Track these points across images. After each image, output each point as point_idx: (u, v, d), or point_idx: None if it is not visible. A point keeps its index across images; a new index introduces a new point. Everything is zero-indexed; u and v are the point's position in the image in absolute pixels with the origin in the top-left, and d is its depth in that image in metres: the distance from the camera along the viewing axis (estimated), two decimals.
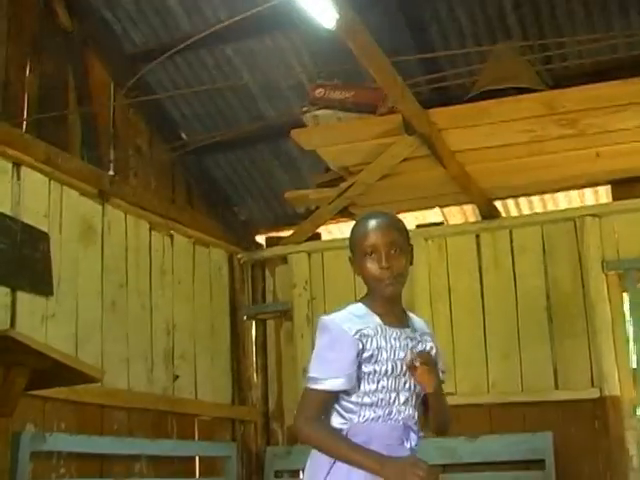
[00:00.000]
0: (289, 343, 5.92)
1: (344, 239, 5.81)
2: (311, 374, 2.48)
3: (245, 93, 5.49)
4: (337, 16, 3.17)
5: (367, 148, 4.73)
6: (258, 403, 5.98)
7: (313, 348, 2.41)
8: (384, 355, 2.50)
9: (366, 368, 2.48)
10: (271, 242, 6.20)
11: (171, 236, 5.50)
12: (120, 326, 4.91)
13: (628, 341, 5.11)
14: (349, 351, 2.45)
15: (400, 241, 2.55)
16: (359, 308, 2.58)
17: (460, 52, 4.74)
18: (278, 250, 6.05)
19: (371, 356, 2.48)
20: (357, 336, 2.47)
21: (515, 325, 5.35)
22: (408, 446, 2.54)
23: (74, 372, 3.45)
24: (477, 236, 5.57)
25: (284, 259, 6.01)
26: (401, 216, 5.40)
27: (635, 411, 5.03)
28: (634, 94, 4.13)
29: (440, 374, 2.64)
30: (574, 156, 4.79)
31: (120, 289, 4.96)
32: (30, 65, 4.70)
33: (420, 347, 2.60)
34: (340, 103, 4.67)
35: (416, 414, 2.63)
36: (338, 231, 6.28)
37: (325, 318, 2.55)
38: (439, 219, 5.97)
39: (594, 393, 5.03)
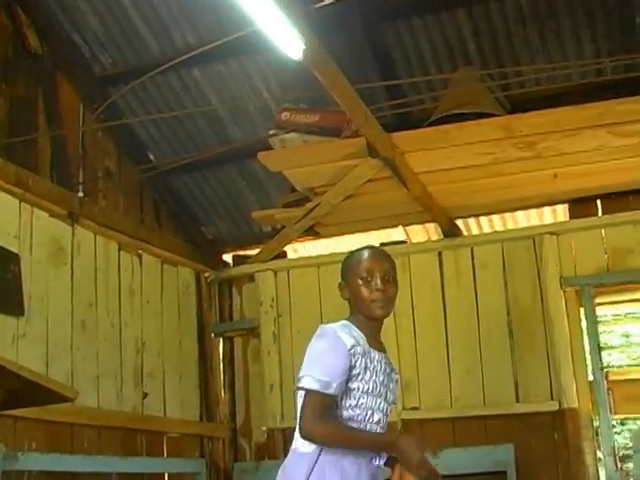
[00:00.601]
0: (256, 360, 6.02)
1: (309, 257, 6.07)
2: (307, 372, 2.60)
3: (213, 116, 5.59)
4: (304, 47, 3.28)
5: (332, 170, 4.85)
6: (226, 419, 6.07)
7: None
8: (367, 375, 2.67)
9: (352, 384, 2.64)
10: (238, 261, 6.29)
11: (139, 256, 5.58)
12: (90, 345, 4.98)
13: (585, 355, 5.28)
14: (344, 362, 2.61)
15: (392, 272, 2.80)
16: (349, 325, 2.73)
17: (422, 79, 4.88)
18: (245, 268, 6.15)
19: (358, 374, 2.65)
20: (351, 351, 2.63)
21: (477, 340, 5.48)
22: (376, 463, 2.69)
23: (47, 392, 3.51)
24: (439, 253, 5.71)
25: (251, 277, 6.09)
26: (365, 235, 5.56)
27: (592, 423, 5.19)
28: (587, 118, 4.31)
29: (391, 406, 2.83)
30: (532, 177, 4.95)
31: (90, 308, 5.03)
32: (0, 88, 4.75)
33: (393, 375, 2.83)
34: (306, 126, 4.79)
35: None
36: (304, 250, 6.40)
37: (326, 326, 2.70)
38: (402, 237, 6.11)
39: (553, 406, 5.18)
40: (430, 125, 4.67)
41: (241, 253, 6.38)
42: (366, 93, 4.31)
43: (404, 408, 5.49)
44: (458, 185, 5.04)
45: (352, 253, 2.87)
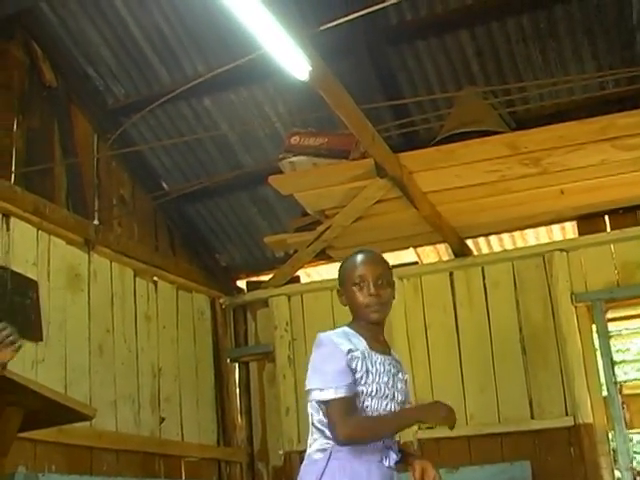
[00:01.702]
0: (272, 384, 6.06)
1: (322, 281, 6.13)
2: (317, 385, 2.64)
3: (223, 143, 5.71)
4: (310, 68, 3.38)
5: (341, 192, 4.94)
6: (243, 444, 6.10)
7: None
8: (370, 378, 2.69)
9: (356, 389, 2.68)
10: (252, 286, 6.37)
11: (155, 282, 5.66)
12: (107, 370, 5.04)
13: (598, 370, 5.30)
14: (347, 365, 2.64)
15: (386, 274, 2.80)
16: (348, 331, 2.77)
17: (426, 98, 4.98)
18: (259, 294, 6.21)
19: (360, 377, 2.68)
20: (349, 356, 2.67)
21: (490, 358, 5.51)
22: (387, 464, 2.72)
23: (66, 411, 3.57)
24: (451, 274, 5.76)
25: (265, 302, 6.15)
26: None
27: (608, 437, 5.20)
28: (590, 133, 4.39)
29: (402, 405, 2.84)
30: (539, 194, 5.02)
31: (107, 334, 5.11)
32: (17, 120, 4.88)
33: (400, 375, 2.84)
34: (315, 149, 4.88)
35: (395, 437, 2.84)
36: (316, 274, 6.47)
37: (322, 335, 2.74)
38: (413, 259, 6.17)
39: (568, 421, 5.19)
40: (436, 145, 4.75)
41: (255, 279, 6.45)
42: (372, 115, 4.41)
43: (419, 428, 5.50)
44: (466, 204, 5.11)
45: (346, 259, 2.90)
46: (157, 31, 5.23)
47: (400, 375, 2.85)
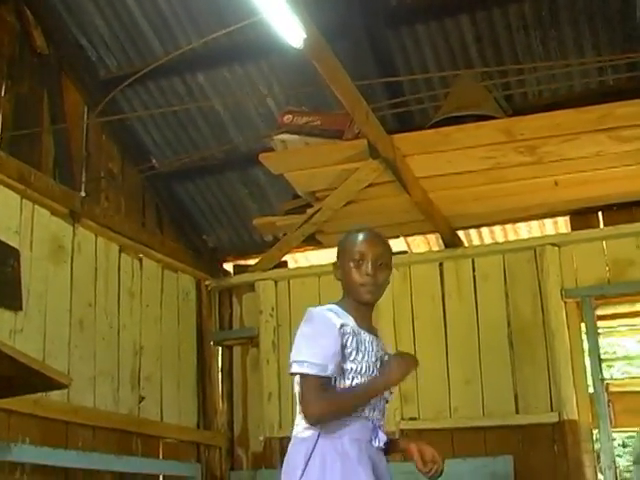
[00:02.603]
0: (255, 369, 5.98)
1: (310, 267, 6.06)
2: (300, 358, 2.58)
3: (215, 120, 5.63)
4: (304, 36, 3.31)
5: (333, 173, 4.86)
6: (223, 428, 6.01)
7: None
8: (360, 355, 2.64)
9: (345, 365, 2.63)
10: (239, 269, 6.29)
11: (140, 259, 5.57)
12: (88, 345, 4.95)
13: (585, 366, 5.24)
14: (336, 342, 2.60)
15: (386, 256, 2.77)
16: (336, 308, 2.71)
17: (421, 77, 4.90)
18: (245, 277, 6.13)
19: (350, 353, 2.63)
20: (341, 330, 2.61)
21: (477, 351, 5.44)
22: (376, 445, 2.66)
23: (41, 378, 3.48)
24: (440, 264, 5.69)
25: (251, 286, 6.07)
26: None
27: (592, 435, 5.14)
28: (586, 122, 4.31)
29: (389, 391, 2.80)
30: (533, 184, 4.95)
31: (88, 308, 5.01)
32: (5, 85, 4.79)
33: (386, 358, 2.77)
34: (308, 129, 4.79)
35: (383, 418, 2.78)
36: (304, 259, 6.39)
37: (312, 309, 2.69)
38: (403, 248, 6.10)
39: (553, 417, 5.12)
40: (431, 128, 4.67)
41: (242, 262, 6.37)
42: (367, 94, 4.33)
43: (402, 418, 5.44)
44: (459, 192, 5.04)
45: (349, 233, 2.85)
46: (152, 3, 5.15)
47: (386, 357, 2.78)
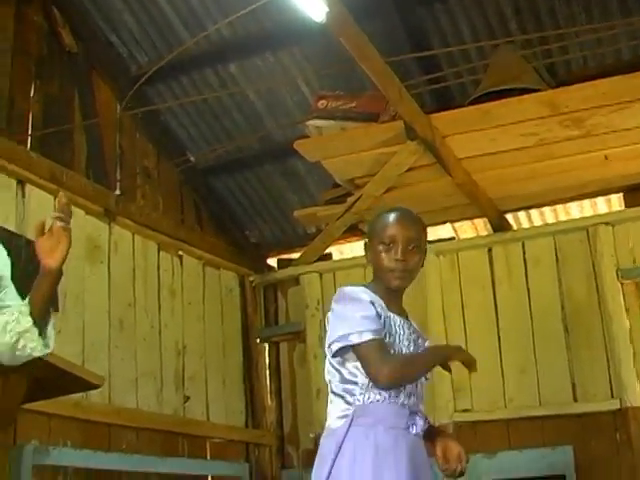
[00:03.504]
0: (303, 365, 5.85)
1: (354, 258, 5.89)
2: (347, 330, 2.42)
3: (250, 110, 5.50)
4: (327, 9, 3.16)
5: (371, 158, 4.70)
6: (272, 426, 5.90)
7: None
8: (391, 339, 2.50)
9: None
10: (283, 264, 6.16)
11: (180, 257, 5.48)
12: (128, 345, 4.88)
13: None
14: (374, 312, 2.45)
15: (418, 239, 2.58)
16: (367, 290, 2.55)
17: (457, 48, 4.68)
18: (290, 271, 6.00)
19: (384, 335, 2.47)
20: (374, 305, 2.47)
21: (530, 338, 5.25)
22: (413, 432, 2.50)
23: (73, 379, 3.40)
24: (489, 250, 5.50)
25: (296, 280, 5.95)
26: None
27: None
28: (636, 89, 4.07)
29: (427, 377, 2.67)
30: (583, 160, 4.72)
31: (128, 308, 4.94)
32: (35, 84, 4.73)
33: (420, 342, 2.64)
34: (342, 113, 4.66)
35: (421, 403, 2.62)
36: (349, 250, 6.23)
37: (343, 288, 2.57)
38: (450, 234, 5.90)
39: (614, 404, 4.89)
40: (470, 105, 4.47)
41: (286, 256, 6.24)
42: (402, 72, 4.15)
43: (456, 410, 5.26)
44: (504, 172, 4.83)
45: (380, 213, 2.68)
46: None
47: (420, 341, 2.64)
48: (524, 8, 4.72)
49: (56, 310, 4.40)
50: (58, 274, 2.42)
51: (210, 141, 5.68)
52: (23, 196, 4.40)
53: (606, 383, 4.98)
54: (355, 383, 2.47)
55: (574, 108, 4.20)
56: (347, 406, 2.47)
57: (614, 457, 4.87)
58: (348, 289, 2.54)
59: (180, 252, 5.47)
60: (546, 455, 4.93)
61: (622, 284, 5.04)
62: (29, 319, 2.40)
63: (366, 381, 2.46)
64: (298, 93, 5.36)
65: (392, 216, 2.59)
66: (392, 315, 2.53)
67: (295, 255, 6.14)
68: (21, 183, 4.39)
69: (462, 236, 6.02)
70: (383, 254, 2.54)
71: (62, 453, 4.00)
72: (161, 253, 5.31)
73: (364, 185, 4.99)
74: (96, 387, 3.51)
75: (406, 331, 2.56)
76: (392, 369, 2.39)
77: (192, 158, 5.69)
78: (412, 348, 2.56)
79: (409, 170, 4.79)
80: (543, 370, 5.17)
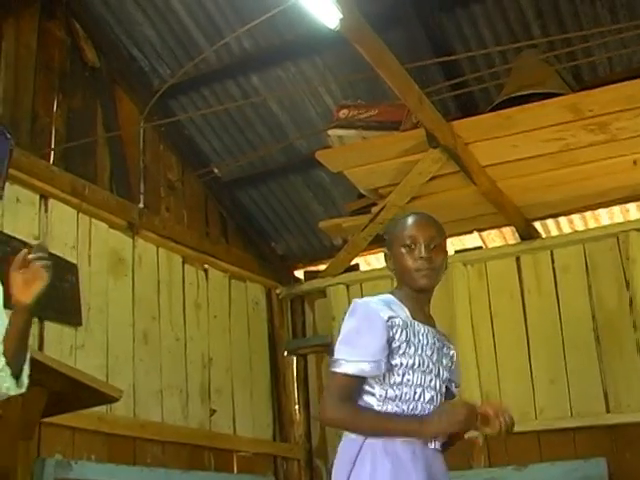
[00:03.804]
0: None
1: (381, 269, 5.82)
2: (338, 356, 2.39)
3: (273, 122, 5.48)
4: (340, 16, 3.12)
5: (394, 167, 4.65)
6: (301, 439, 5.85)
7: None
8: (412, 349, 2.44)
9: (393, 360, 2.41)
10: (309, 276, 6.13)
11: (205, 270, 5.48)
12: (153, 358, 4.87)
13: None
14: (381, 337, 2.38)
15: (439, 239, 2.54)
16: (390, 298, 2.51)
17: (479, 53, 4.61)
18: (316, 283, 5.98)
19: (399, 347, 2.42)
20: (389, 323, 2.40)
21: (561, 348, 5.16)
22: (432, 447, 2.43)
23: (91, 392, 3.39)
24: (517, 258, 5.43)
25: (323, 292, 5.92)
26: None
27: None
28: None
29: (454, 389, 2.61)
30: (609, 165, 4.62)
31: (152, 321, 4.94)
32: (58, 99, 4.76)
33: (446, 350, 2.58)
34: (364, 122, 4.62)
35: None
36: (376, 261, 6.17)
37: (358, 301, 2.50)
38: (478, 243, 5.82)
39: None
40: (492, 111, 4.40)
41: (313, 268, 6.21)
42: (425, 80, 4.10)
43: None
44: (529, 179, 4.75)
45: (396, 219, 2.65)
46: (201, 8, 5.03)
47: (445, 350, 2.57)
48: (546, 11, 4.65)
49: (79, 324, 4.42)
50: (32, 310, 2.39)
51: (234, 153, 5.67)
52: (46, 211, 4.43)
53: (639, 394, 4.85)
54: (372, 395, 2.42)
55: (598, 112, 4.11)
56: None
57: None
58: (361, 304, 2.46)
59: (205, 265, 5.47)
60: (579, 467, 4.82)
61: None
62: (2, 359, 2.36)
63: (383, 392, 2.41)
64: (321, 103, 5.33)
65: (409, 218, 2.57)
66: (416, 323, 2.46)
67: (322, 267, 6.10)
68: (44, 198, 4.42)
69: (490, 245, 5.93)
70: (406, 256, 2.49)
71: (85, 467, 3.98)
72: (186, 266, 5.30)
73: (388, 195, 4.94)
74: (115, 400, 3.51)
75: (430, 340, 2.49)
76: (335, 417, 2.37)
77: (216, 170, 5.67)
78: (435, 357, 2.49)
79: (433, 178, 4.73)
80: (574, 380, 5.08)
